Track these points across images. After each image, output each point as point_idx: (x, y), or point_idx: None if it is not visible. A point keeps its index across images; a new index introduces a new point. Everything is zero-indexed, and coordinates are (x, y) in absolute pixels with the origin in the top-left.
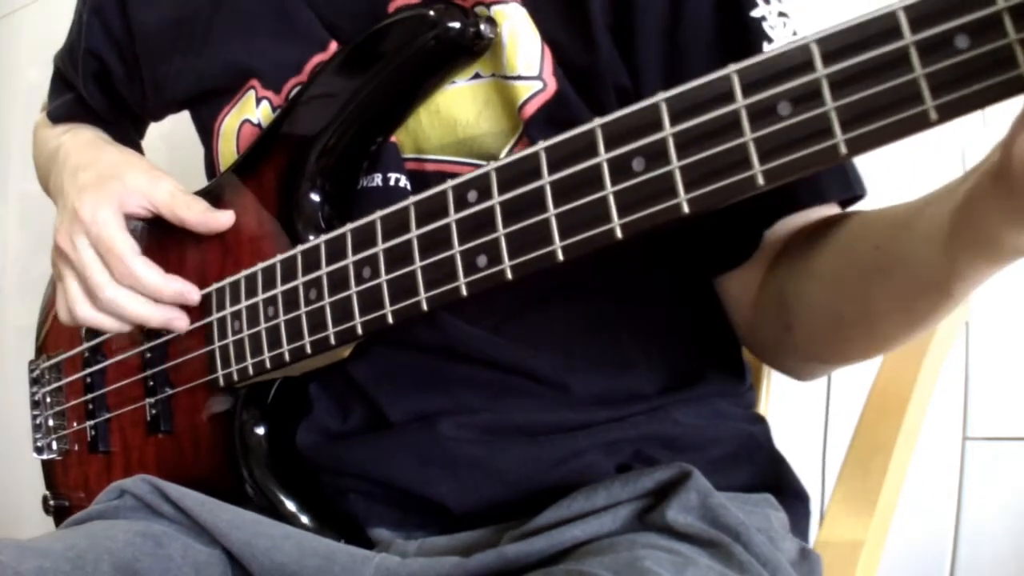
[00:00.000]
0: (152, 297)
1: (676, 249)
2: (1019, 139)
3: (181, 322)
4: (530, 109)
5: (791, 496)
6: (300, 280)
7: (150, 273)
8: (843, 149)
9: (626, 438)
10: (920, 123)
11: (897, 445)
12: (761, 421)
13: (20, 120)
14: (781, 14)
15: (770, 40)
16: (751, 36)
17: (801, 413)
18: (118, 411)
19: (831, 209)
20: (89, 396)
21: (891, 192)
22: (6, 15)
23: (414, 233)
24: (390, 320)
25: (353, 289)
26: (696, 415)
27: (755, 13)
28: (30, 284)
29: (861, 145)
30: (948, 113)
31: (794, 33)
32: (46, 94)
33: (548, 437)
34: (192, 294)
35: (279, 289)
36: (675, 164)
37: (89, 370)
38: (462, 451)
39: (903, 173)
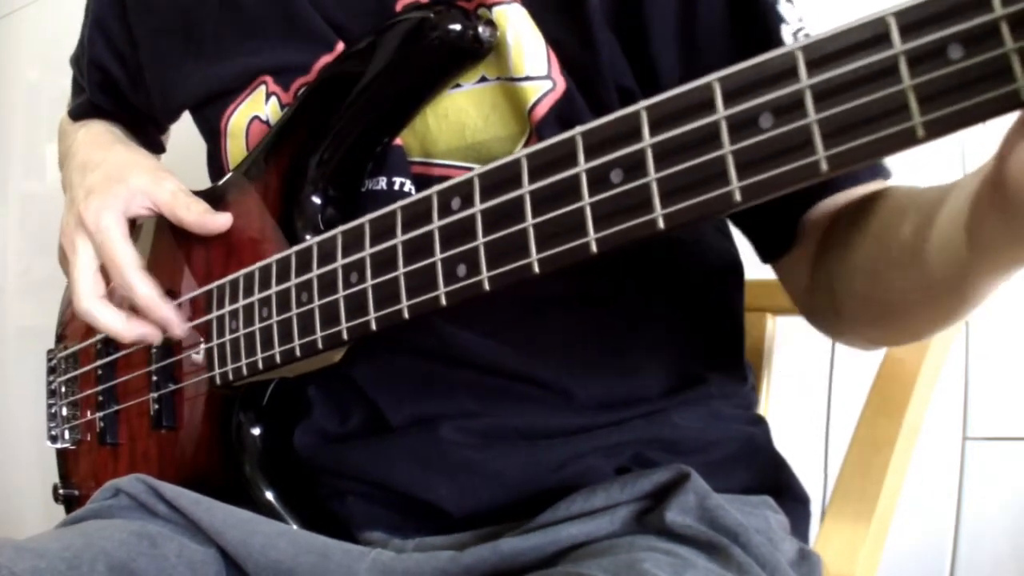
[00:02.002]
0: (143, 312)
1: (684, 255)
2: (1014, 152)
3: (155, 337)
4: (541, 110)
5: (791, 499)
6: (293, 281)
7: (146, 290)
8: (824, 166)
9: (626, 441)
10: (906, 140)
11: (897, 445)
12: (761, 422)
13: (20, 120)
14: (788, 0)
15: (786, 22)
16: (768, 20)
17: (802, 413)
18: (125, 404)
19: (872, 185)
20: (99, 388)
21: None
22: (6, 15)
23: (399, 239)
24: (373, 327)
25: (341, 293)
26: (696, 417)
27: None
28: (31, 284)
29: (843, 161)
30: (937, 130)
31: (800, 20)
32: (46, 94)
33: (548, 441)
34: (176, 328)
35: (273, 290)
36: (652, 176)
37: (100, 362)
38: (462, 455)
39: (903, 171)
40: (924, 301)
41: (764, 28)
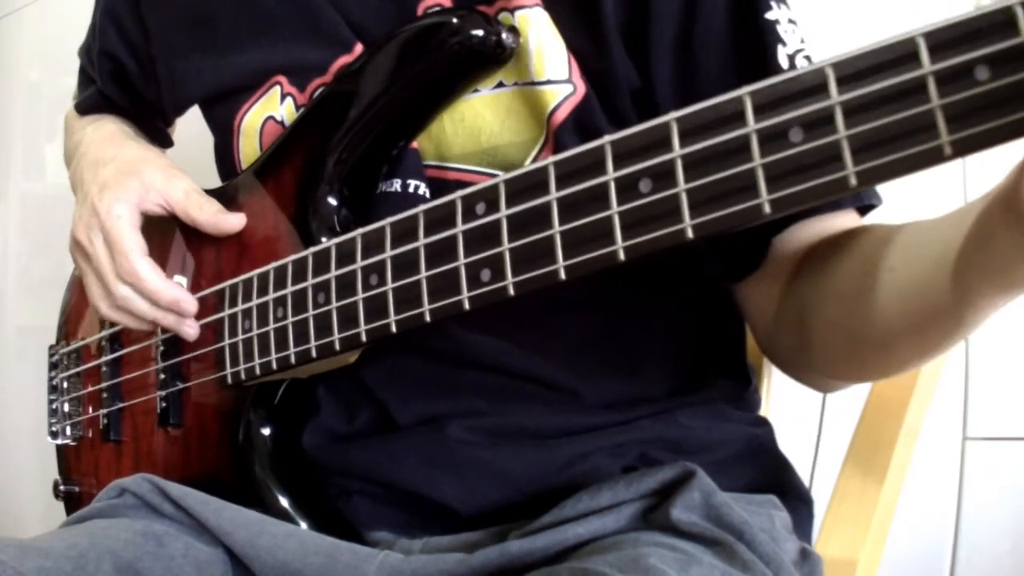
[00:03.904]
0: (150, 299)
1: (686, 257)
2: None
3: (190, 305)
4: (561, 114)
5: (794, 498)
6: (309, 282)
7: (151, 275)
8: (853, 181)
9: (632, 441)
10: (934, 158)
11: (897, 445)
12: (765, 424)
13: (20, 120)
14: (791, 21)
15: (784, 44)
16: (766, 38)
17: (802, 414)
18: (130, 401)
19: (849, 220)
20: (104, 384)
21: (889, 196)
22: (6, 15)
23: (422, 242)
24: (393, 329)
25: (360, 295)
26: (701, 418)
27: (770, 16)
28: (31, 284)
29: (872, 177)
30: (963, 149)
31: (802, 41)
32: (46, 94)
33: (555, 440)
34: (188, 304)
35: (289, 290)
36: (682, 187)
37: (105, 358)
38: (469, 454)
39: (904, 183)
40: (909, 329)
41: (760, 47)
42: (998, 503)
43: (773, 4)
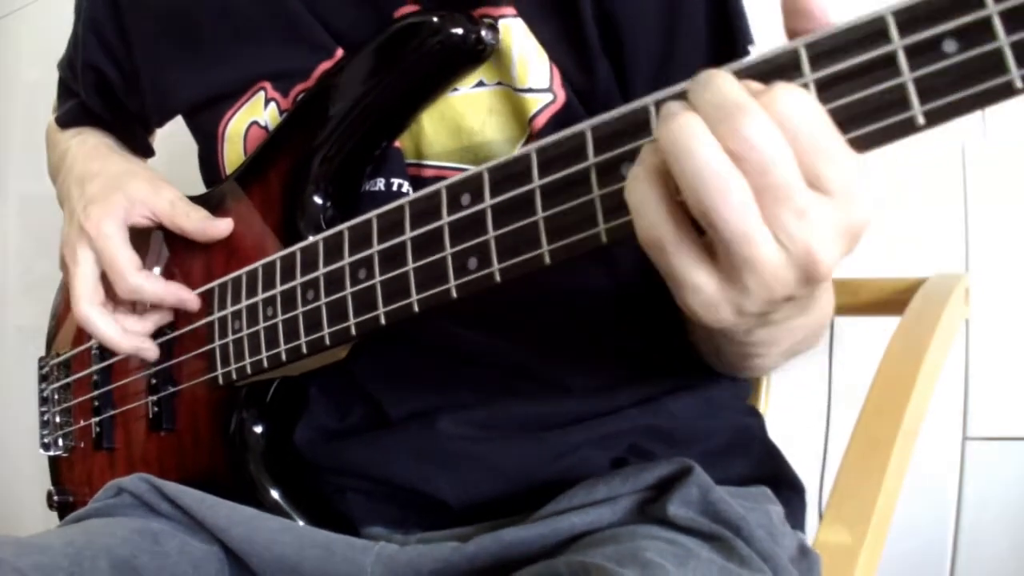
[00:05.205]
0: (156, 306)
1: None
2: None
3: (151, 353)
4: (541, 121)
5: (787, 487)
6: (298, 280)
7: (151, 285)
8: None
9: (621, 431)
10: (906, 128)
11: (897, 445)
12: (756, 413)
13: (20, 120)
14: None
15: None
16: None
17: (801, 410)
18: (122, 408)
19: None
20: (95, 393)
21: (891, 191)
22: (6, 15)
23: (408, 235)
24: (383, 321)
25: (348, 290)
26: (691, 407)
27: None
28: (31, 284)
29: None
30: (937, 119)
31: None
32: (46, 94)
33: (544, 433)
34: (191, 303)
35: (278, 289)
36: None
37: (95, 367)
38: (460, 448)
39: (902, 172)
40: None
41: None
42: (998, 503)
43: (751, 51)
